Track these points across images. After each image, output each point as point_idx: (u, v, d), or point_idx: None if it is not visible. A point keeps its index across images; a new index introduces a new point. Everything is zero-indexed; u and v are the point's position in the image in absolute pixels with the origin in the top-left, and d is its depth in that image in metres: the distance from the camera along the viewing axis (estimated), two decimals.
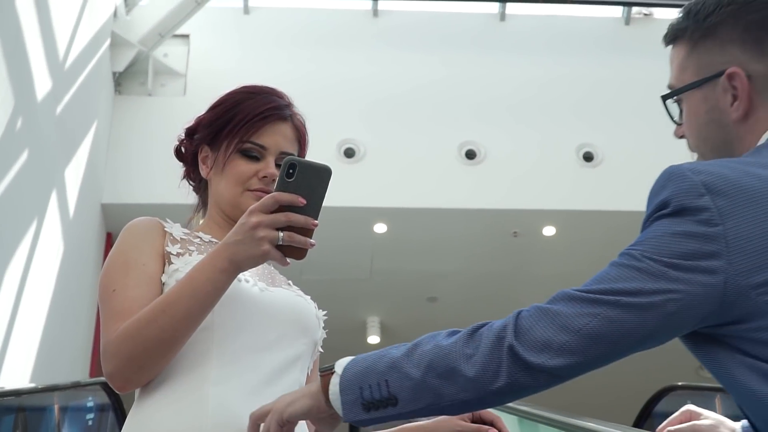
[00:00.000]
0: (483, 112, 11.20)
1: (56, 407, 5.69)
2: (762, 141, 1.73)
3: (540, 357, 1.55)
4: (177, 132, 9.40)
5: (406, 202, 10.73)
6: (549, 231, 11.30)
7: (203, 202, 2.41)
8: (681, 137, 1.91)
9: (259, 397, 1.91)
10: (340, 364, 1.66)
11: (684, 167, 1.62)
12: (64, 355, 8.75)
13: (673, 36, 1.88)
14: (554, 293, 1.62)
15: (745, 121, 1.77)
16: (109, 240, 10.63)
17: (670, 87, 1.88)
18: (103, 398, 6.56)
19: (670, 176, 1.63)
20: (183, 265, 2.06)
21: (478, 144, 11.00)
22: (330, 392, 1.65)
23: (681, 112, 1.87)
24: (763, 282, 1.51)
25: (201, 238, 2.21)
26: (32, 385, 6.77)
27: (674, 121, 1.91)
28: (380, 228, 11.09)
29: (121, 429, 5.89)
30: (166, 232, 2.18)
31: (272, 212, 1.84)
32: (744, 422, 1.99)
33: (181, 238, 2.17)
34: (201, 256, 2.05)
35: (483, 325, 1.62)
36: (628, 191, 10.77)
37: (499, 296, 12.21)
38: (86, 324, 9.71)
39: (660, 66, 8.80)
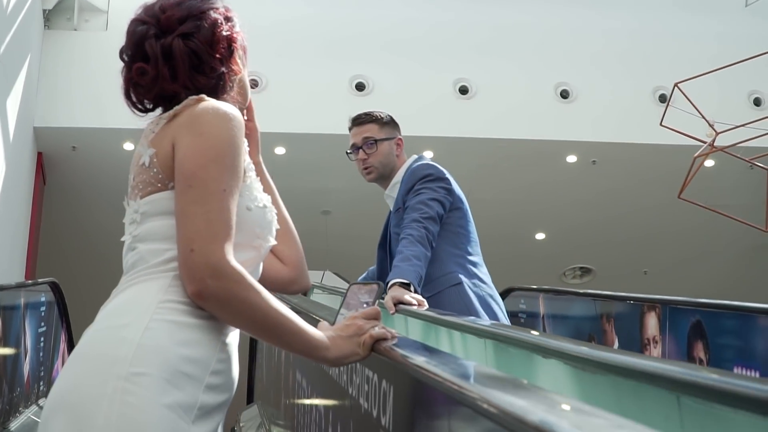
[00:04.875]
0: (371, 48, 12.43)
1: (22, 301, 6.94)
2: (409, 162, 4.30)
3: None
4: (99, 64, 10.98)
5: (303, 128, 11.97)
6: (428, 154, 12.15)
7: (221, 92, 2.13)
8: (364, 159, 4.19)
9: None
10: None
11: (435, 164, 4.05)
12: (4, 257, 9.90)
13: (368, 120, 4.33)
14: None
15: (399, 157, 4.33)
16: (41, 159, 11.74)
17: (372, 137, 4.28)
18: (51, 296, 7.94)
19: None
20: (251, 191, 2.08)
21: (367, 77, 12.26)
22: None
23: (372, 150, 4.29)
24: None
25: None
26: None
27: (366, 153, 4.28)
28: (280, 150, 12.29)
29: (64, 322, 7.29)
30: None
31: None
32: None
33: None
34: (258, 184, 2.11)
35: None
36: (497, 121, 12.20)
37: (383, 209, 13.50)
38: (22, 231, 10.90)
39: (528, 10, 10.42)
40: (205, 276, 1.83)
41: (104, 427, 1.77)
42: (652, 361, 1.72)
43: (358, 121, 4.37)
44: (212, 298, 1.85)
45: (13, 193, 10.05)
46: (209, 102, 2.01)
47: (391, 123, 4.36)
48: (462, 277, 3.96)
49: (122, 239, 2.05)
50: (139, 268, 1.97)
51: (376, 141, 4.28)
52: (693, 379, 1.56)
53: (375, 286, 2.18)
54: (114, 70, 2.14)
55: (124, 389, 1.79)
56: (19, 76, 10.14)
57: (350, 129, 4.37)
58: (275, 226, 2.14)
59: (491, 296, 4.01)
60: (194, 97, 2.02)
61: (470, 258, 4.07)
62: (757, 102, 12.68)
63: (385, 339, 2.01)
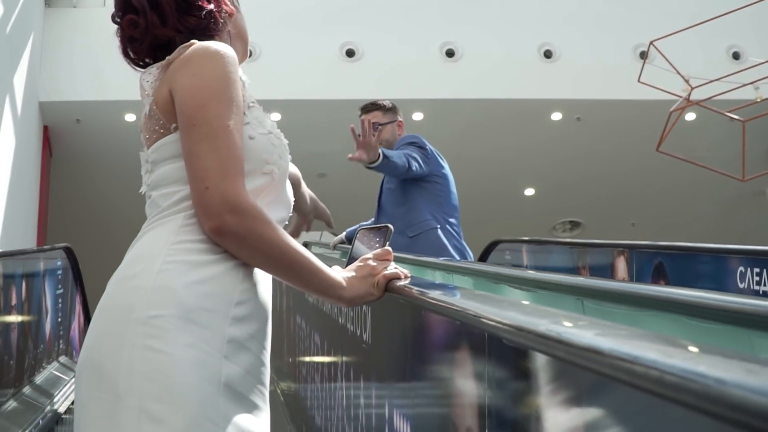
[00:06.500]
0: (361, 15, 12.83)
1: (41, 265, 7.43)
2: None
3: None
4: (98, 39, 11.50)
5: (297, 95, 12.40)
6: (418, 116, 13.02)
7: (213, 31, 2.15)
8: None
9: None
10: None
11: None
12: (18, 225, 10.45)
13: (374, 108, 5.45)
14: None
15: (400, 135, 5.44)
16: (46, 133, 12.21)
17: (377, 122, 4.82)
18: (66, 262, 8.44)
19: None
20: (253, 120, 2.02)
21: (356, 44, 12.65)
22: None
23: (378, 131, 4.68)
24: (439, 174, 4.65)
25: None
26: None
27: (373, 135, 4.64)
28: (275, 116, 12.48)
29: (78, 284, 7.83)
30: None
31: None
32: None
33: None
34: (258, 112, 2.05)
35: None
36: (483, 82, 12.62)
37: (376, 172, 13.89)
38: (33, 201, 11.42)
39: None
40: (223, 212, 1.85)
41: (128, 375, 1.79)
42: (562, 276, 2.24)
43: (366, 109, 5.33)
44: (231, 234, 1.86)
45: (22, 166, 10.56)
46: (200, 43, 2.02)
47: (393, 109, 5.33)
48: (437, 225, 4.92)
49: (140, 191, 2.09)
50: (153, 214, 1.99)
51: (381, 125, 5.19)
52: (591, 286, 2.07)
53: (385, 229, 2.21)
54: (113, 44, 2.19)
55: (144, 333, 1.80)
56: (23, 54, 10.62)
57: (360, 116, 5.15)
58: (285, 148, 2.09)
59: (463, 245, 4.97)
60: (185, 44, 2.03)
61: (449, 219, 5.07)
62: (736, 56, 13.04)
63: (398, 278, 2.04)
